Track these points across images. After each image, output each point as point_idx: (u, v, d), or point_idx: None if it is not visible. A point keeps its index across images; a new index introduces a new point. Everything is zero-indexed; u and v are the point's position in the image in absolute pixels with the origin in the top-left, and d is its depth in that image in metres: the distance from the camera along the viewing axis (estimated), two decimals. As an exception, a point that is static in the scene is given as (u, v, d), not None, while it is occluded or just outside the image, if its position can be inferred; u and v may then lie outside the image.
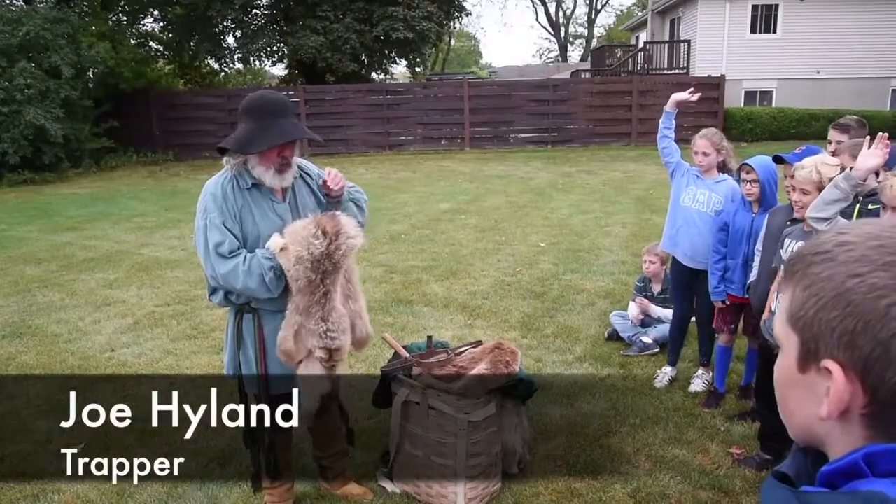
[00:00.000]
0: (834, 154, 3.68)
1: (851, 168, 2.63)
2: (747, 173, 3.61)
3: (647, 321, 4.80)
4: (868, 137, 2.69)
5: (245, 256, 2.50)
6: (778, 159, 3.61)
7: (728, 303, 3.83)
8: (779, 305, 0.75)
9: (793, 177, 3.35)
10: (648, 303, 4.77)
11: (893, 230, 0.66)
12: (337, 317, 2.50)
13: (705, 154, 3.89)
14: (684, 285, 4.17)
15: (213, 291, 2.61)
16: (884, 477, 0.62)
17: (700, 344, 4.25)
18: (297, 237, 2.42)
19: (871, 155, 2.59)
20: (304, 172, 2.76)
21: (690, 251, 4.02)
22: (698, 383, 4.12)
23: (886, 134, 2.66)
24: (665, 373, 4.23)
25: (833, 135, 3.73)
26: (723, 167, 4.00)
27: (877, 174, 3.00)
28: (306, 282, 2.42)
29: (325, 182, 2.65)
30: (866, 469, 0.63)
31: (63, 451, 3.56)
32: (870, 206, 2.95)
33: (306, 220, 2.48)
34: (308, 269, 2.40)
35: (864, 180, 2.63)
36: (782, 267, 0.66)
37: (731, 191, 3.87)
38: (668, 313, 4.63)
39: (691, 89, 4.06)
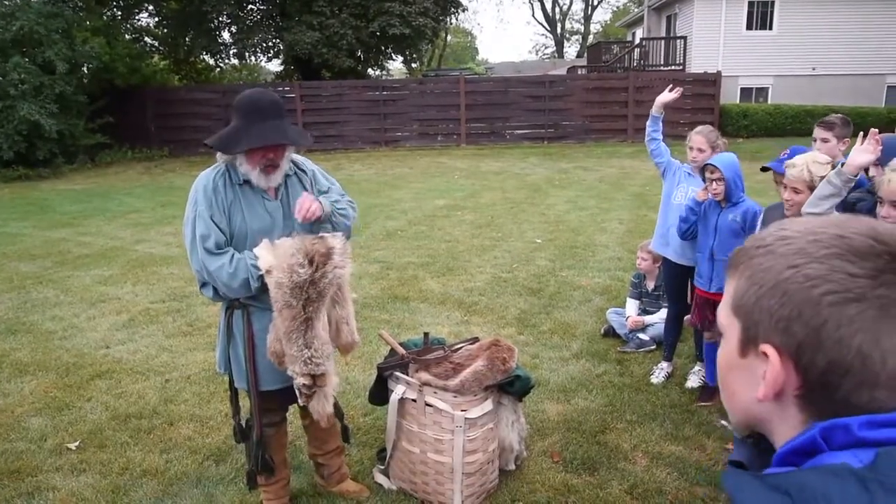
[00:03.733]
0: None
1: (843, 164, 2.63)
2: (711, 173, 3.66)
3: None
4: (862, 134, 2.69)
5: (232, 256, 2.47)
6: (765, 169, 3.65)
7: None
8: (724, 295, 0.79)
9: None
10: (641, 320, 4.75)
11: (829, 227, 0.70)
12: (319, 343, 2.45)
13: (700, 150, 3.91)
14: (677, 283, 4.18)
15: (204, 285, 2.59)
16: (841, 450, 0.65)
17: (695, 339, 4.27)
18: (282, 261, 2.37)
19: (863, 151, 2.60)
20: (300, 169, 2.72)
21: (680, 248, 4.04)
22: (695, 379, 4.13)
23: (877, 130, 2.66)
24: (661, 368, 4.23)
25: (818, 132, 3.76)
26: None
27: (866, 171, 3.00)
28: (284, 305, 2.38)
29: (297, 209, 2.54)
30: (823, 444, 0.66)
31: (58, 448, 3.55)
32: None
33: (295, 243, 2.42)
34: (287, 295, 2.36)
35: (856, 175, 2.64)
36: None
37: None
38: (661, 315, 4.64)
39: (670, 86, 4.11)
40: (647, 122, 4.18)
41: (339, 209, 2.67)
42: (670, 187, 4.14)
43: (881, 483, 0.59)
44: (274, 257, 2.40)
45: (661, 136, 4.16)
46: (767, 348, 0.70)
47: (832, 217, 0.73)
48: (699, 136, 3.94)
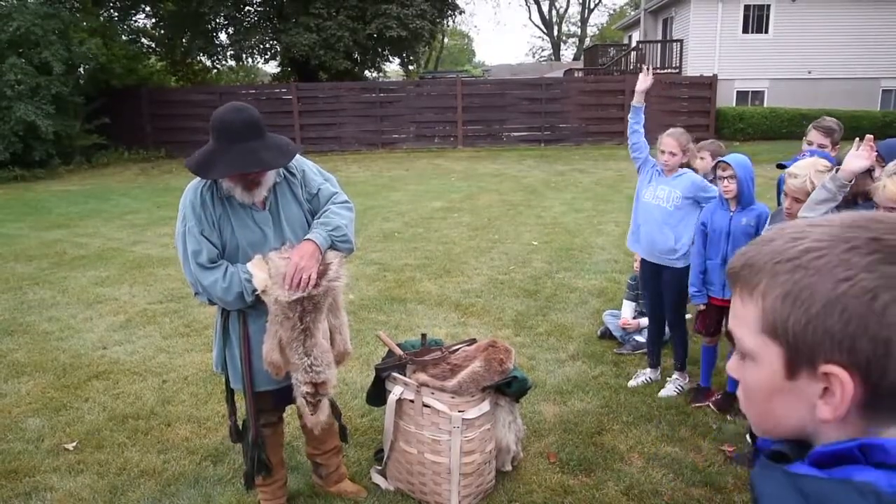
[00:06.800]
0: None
1: (838, 169, 2.65)
2: (724, 170, 3.54)
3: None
4: (858, 139, 2.70)
5: (225, 270, 2.46)
6: (781, 167, 3.60)
7: (706, 305, 3.79)
8: (736, 316, 0.75)
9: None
10: (635, 322, 4.75)
11: (857, 230, 0.67)
12: (320, 352, 2.48)
13: (672, 154, 3.81)
14: (650, 283, 4.09)
15: (198, 291, 2.59)
16: (877, 468, 0.64)
17: (673, 347, 4.16)
18: (278, 279, 2.40)
19: (858, 156, 2.61)
20: (289, 173, 2.63)
21: (648, 246, 3.97)
22: (671, 388, 4.04)
23: (872, 136, 2.68)
24: (645, 374, 4.19)
25: (816, 136, 3.71)
26: (686, 167, 3.94)
27: (871, 173, 3.01)
28: (284, 318, 2.42)
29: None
30: (861, 456, 0.65)
31: (55, 448, 3.55)
32: None
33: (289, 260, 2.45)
34: (285, 309, 2.41)
35: (850, 181, 2.65)
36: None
37: (692, 183, 3.82)
38: None
39: (643, 71, 3.97)
40: (629, 115, 4.03)
41: (338, 237, 2.58)
42: (641, 184, 4.05)
43: None
44: (268, 275, 2.43)
45: (642, 129, 4.02)
46: (834, 369, 0.66)
47: (842, 218, 0.70)
48: (670, 139, 3.81)
